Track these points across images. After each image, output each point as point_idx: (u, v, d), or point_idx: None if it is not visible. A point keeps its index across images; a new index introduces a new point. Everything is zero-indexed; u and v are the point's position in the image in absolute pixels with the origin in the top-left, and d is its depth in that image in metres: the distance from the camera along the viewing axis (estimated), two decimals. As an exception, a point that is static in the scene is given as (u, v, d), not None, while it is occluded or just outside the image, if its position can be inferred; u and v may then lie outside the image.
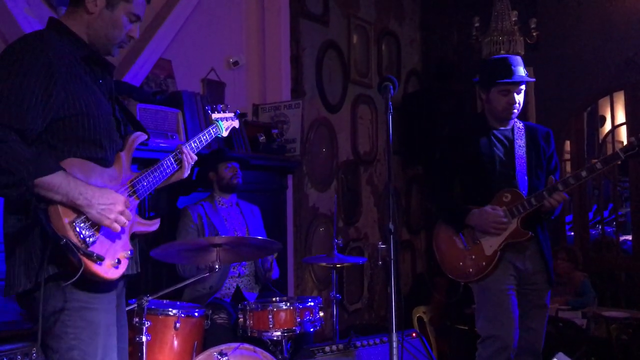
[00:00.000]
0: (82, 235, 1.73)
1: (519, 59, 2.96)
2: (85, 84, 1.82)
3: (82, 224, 1.74)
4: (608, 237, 5.79)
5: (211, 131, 2.34)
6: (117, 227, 1.79)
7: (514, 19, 4.88)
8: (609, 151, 6.05)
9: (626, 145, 2.77)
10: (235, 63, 4.45)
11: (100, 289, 1.84)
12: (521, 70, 2.91)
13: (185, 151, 2.12)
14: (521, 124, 3.02)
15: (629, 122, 5.51)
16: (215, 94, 4.22)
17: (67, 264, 1.71)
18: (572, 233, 5.74)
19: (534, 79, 2.94)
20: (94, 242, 1.76)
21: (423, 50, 6.46)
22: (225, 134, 2.42)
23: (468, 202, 2.94)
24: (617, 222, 5.72)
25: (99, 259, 1.73)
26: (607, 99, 5.76)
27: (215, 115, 2.40)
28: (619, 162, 2.77)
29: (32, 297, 1.77)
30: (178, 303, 3.08)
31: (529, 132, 3.00)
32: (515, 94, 2.88)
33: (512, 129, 2.98)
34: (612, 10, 5.47)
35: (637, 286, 5.30)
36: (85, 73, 1.85)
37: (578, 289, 4.66)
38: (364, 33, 5.61)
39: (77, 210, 1.73)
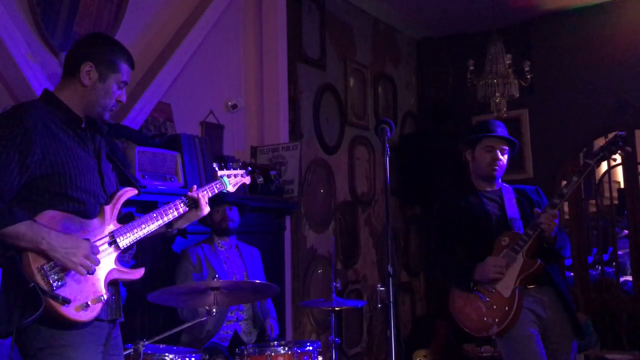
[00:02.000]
0: (50, 279, 1.86)
1: (501, 123, 3.09)
2: (65, 146, 1.99)
3: (50, 270, 1.87)
4: (608, 277, 5.75)
5: (214, 187, 2.42)
6: (82, 271, 1.90)
7: (508, 62, 4.96)
8: (606, 191, 6.08)
9: (592, 152, 2.91)
10: (234, 106, 4.50)
11: (81, 327, 1.94)
12: (504, 132, 3.04)
13: (191, 198, 2.29)
14: (509, 186, 3.11)
15: (624, 163, 5.54)
16: (213, 137, 4.25)
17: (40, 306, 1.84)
18: (572, 274, 5.71)
19: (516, 142, 3.05)
20: (61, 286, 1.87)
21: (419, 93, 6.55)
22: (231, 189, 2.49)
23: (472, 260, 2.95)
24: (617, 263, 5.69)
25: (65, 302, 1.85)
26: (602, 140, 5.80)
27: (220, 172, 2.47)
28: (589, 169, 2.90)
29: (20, 336, 1.91)
30: (175, 348, 3.02)
31: (518, 191, 3.09)
32: (498, 152, 2.99)
33: (500, 189, 3.06)
34: (605, 52, 5.58)
35: (639, 327, 5.24)
36: (68, 136, 2.03)
37: (580, 331, 4.59)
38: (360, 76, 5.70)
39: (47, 257, 1.87)
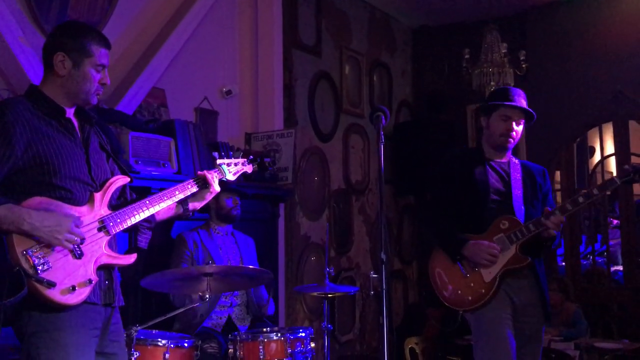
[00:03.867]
0: (34, 263, 1.88)
1: (522, 92, 2.96)
2: (48, 137, 2.03)
3: (35, 253, 1.89)
4: (599, 267, 5.80)
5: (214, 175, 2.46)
6: (69, 245, 1.93)
7: (503, 51, 4.96)
8: (599, 181, 6.10)
9: (622, 171, 2.81)
10: (229, 92, 4.48)
11: (70, 310, 1.96)
12: (523, 103, 2.92)
13: (201, 177, 2.37)
14: (517, 160, 3.02)
15: (617, 153, 5.57)
16: (208, 123, 4.24)
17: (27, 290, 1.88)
18: (564, 263, 5.75)
19: (534, 114, 2.92)
20: (46, 270, 1.89)
21: (414, 81, 6.54)
22: (231, 178, 2.52)
23: (463, 230, 2.91)
24: (608, 253, 5.73)
25: (50, 285, 1.87)
26: (596, 130, 5.83)
27: (219, 161, 2.50)
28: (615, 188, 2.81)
29: (16, 322, 1.96)
30: (167, 333, 3.03)
31: (525, 167, 3.00)
32: (514, 123, 2.89)
33: (508, 163, 2.97)
34: (600, 43, 5.58)
35: (629, 317, 5.29)
36: (52, 127, 2.06)
37: (570, 320, 4.64)
38: (356, 64, 5.68)
39: (31, 240, 1.89)
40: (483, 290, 2.81)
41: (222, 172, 2.47)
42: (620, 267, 5.65)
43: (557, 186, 5.82)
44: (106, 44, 2.15)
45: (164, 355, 2.74)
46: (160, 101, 3.98)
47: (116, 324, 2.15)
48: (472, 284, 2.83)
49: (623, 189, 5.49)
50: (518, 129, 2.91)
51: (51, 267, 1.91)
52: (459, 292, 2.86)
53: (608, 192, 2.99)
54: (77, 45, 2.09)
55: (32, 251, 1.89)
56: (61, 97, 2.10)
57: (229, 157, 2.53)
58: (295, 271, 4.81)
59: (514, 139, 2.91)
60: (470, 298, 2.82)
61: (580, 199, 2.78)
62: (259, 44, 4.72)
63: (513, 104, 2.88)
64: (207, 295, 2.70)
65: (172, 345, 2.78)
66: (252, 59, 4.72)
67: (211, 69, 4.42)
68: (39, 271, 1.88)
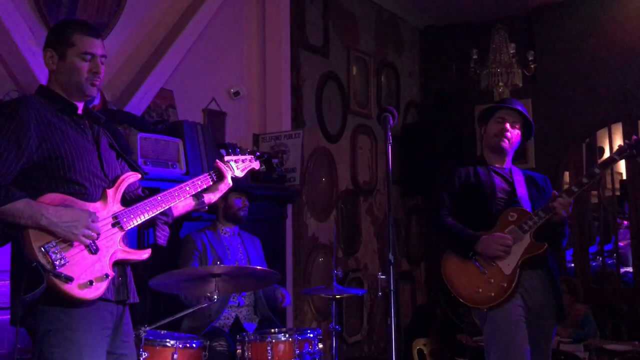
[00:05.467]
0: (52, 258, 1.90)
1: (520, 103, 3.04)
2: (61, 132, 2.06)
3: (52, 248, 1.91)
4: (609, 268, 5.76)
5: None
6: (86, 241, 1.95)
7: (512, 52, 4.95)
8: (608, 182, 6.07)
9: (619, 148, 2.84)
10: (236, 93, 4.49)
11: (87, 306, 1.97)
12: (519, 108, 2.99)
13: (218, 169, 2.44)
14: (519, 170, 3.07)
15: (627, 154, 5.53)
16: (216, 124, 4.25)
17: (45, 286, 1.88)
18: (573, 265, 5.72)
19: (531, 121, 3.00)
20: (64, 265, 1.91)
21: (422, 82, 6.52)
22: (240, 174, 2.54)
23: (471, 229, 2.91)
24: (617, 254, 5.70)
25: (68, 280, 1.89)
26: (605, 130, 5.80)
27: (227, 157, 2.52)
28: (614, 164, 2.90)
29: (29, 320, 1.95)
30: (176, 334, 3.04)
31: (526, 175, 3.07)
32: (508, 124, 2.94)
33: (510, 169, 3.03)
34: (609, 43, 5.55)
35: (638, 318, 5.25)
36: (64, 123, 2.09)
37: (580, 322, 4.61)
38: (363, 64, 5.68)
39: (47, 235, 1.91)
40: (505, 284, 2.79)
41: (231, 169, 2.49)
42: (630, 269, 5.61)
43: (566, 187, 5.78)
44: (92, 33, 2.15)
45: (172, 355, 2.75)
46: (169, 102, 3.99)
47: (127, 324, 2.17)
48: (491, 280, 2.81)
49: (632, 190, 5.46)
50: (513, 131, 2.96)
51: (68, 262, 1.92)
52: (480, 290, 2.82)
53: (604, 173, 3.05)
54: (60, 38, 2.11)
55: (49, 246, 1.90)
56: (62, 94, 2.13)
57: (235, 154, 2.55)
58: (302, 272, 4.81)
59: (508, 139, 2.95)
60: (493, 294, 2.79)
61: (584, 179, 2.82)
62: (267, 45, 4.73)
63: (507, 105, 2.97)
64: (215, 297, 2.70)
65: (180, 346, 2.79)
66: (260, 60, 4.72)
67: (219, 70, 4.43)
68: (56, 266, 1.89)
